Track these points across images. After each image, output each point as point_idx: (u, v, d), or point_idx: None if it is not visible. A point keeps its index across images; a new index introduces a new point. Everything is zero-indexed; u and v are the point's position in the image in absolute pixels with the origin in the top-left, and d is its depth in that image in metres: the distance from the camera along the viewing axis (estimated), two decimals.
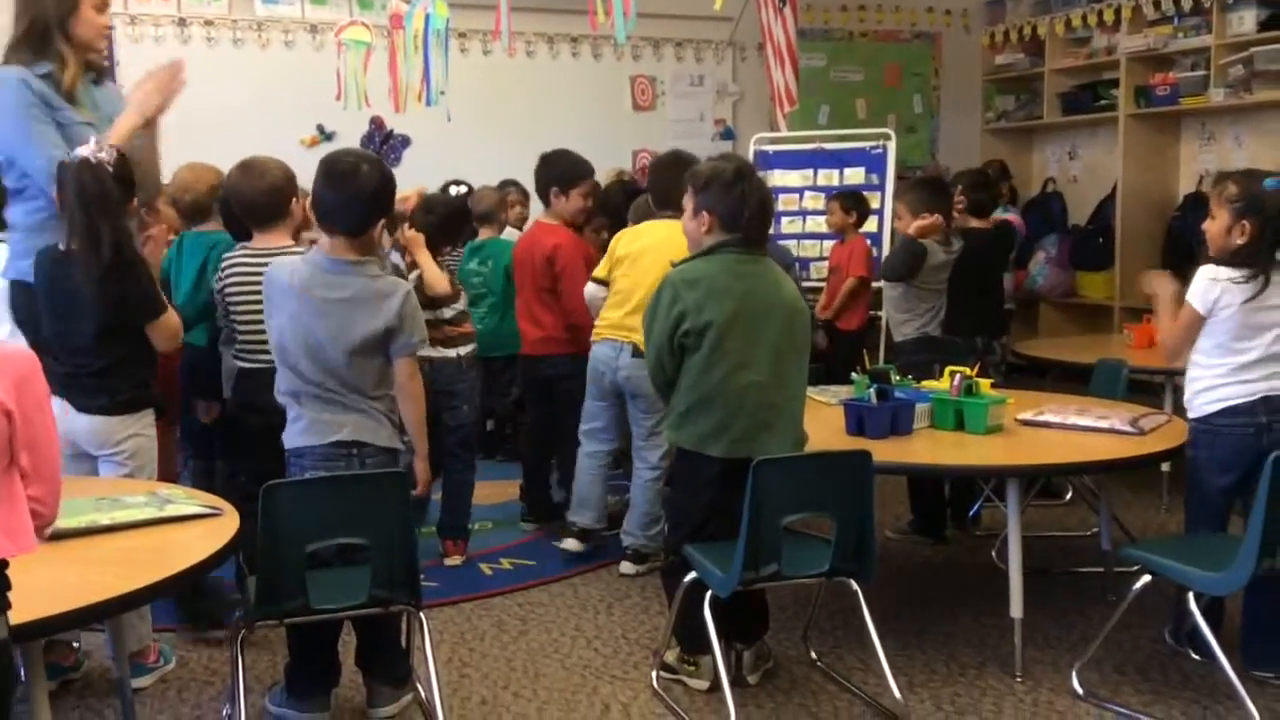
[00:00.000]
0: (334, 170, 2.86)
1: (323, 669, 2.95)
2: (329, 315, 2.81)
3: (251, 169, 3.47)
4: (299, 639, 2.87)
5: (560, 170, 4.45)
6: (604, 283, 4.09)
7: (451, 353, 4.08)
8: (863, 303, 5.70)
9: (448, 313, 4.09)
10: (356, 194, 2.84)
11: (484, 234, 5.40)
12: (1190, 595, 2.85)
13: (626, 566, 4.06)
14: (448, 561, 4.15)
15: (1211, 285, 3.11)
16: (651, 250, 3.91)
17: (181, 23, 6.46)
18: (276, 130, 6.10)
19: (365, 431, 2.86)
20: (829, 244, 6.12)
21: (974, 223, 4.72)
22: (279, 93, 6.51)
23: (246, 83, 6.49)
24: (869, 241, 5.88)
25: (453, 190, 5.76)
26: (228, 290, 3.45)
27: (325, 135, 6.70)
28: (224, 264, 3.49)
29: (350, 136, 6.72)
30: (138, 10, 6.37)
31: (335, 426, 2.84)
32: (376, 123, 6.77)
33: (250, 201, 3.45)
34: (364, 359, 2.84)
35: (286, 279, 2.87)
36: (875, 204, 6.37)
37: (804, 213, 6.57)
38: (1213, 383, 3.13)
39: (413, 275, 3.99)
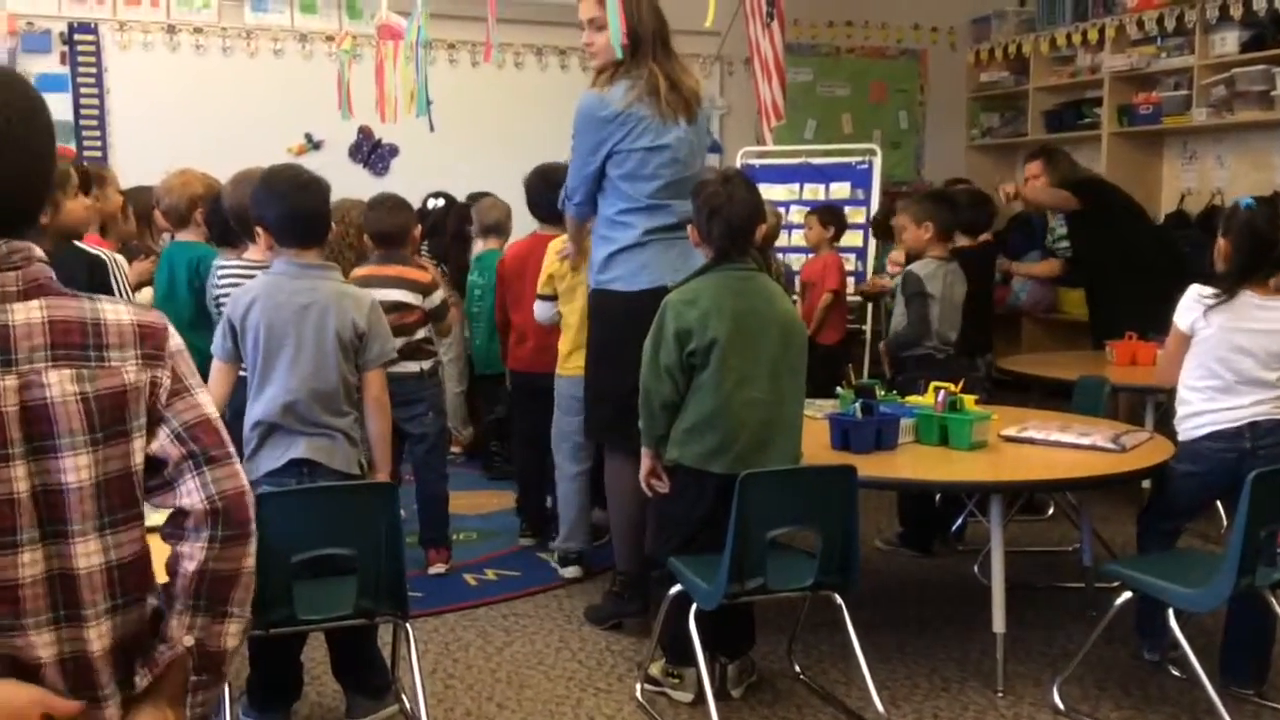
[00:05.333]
0: (298, 183, 2.89)
1: (283, 682, 2.94)
2: (302, 321, 2.83)
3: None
4: (261, 650, 2.85)
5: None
6: (552, 298, 4.08)
7: (414, 366, 4.03)
8: (839, 316, 5.74)
9: (420, 333, 4.10)
10: (324, 204, 2.92)
11: (489, 245, 5.27)
12: (1170, 612, 2.88)
13: (572, 571, 4.13)
14: (431, 570, 4.15)
15: (1194, 304, 3.15)
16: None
17: (170, 30, 6.46)
18: (264, 138, 6.13)
19: (320, 452, 2.85)
20: (811, 256, 6.15)
21: (963, 241, 4.76)
22: (267, 101, 6.51)
23: (235, 91, 6.49)
24: (845, 255, 5.92)
25: (430, 204, 5.77)
26: (221, 300, 3.39)
27: (313, 144, 6.71)
28: (219, 275, 3.47)
29: (338, 145, 6.74)
30: (127, 17, 6.37)
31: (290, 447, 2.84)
32: (365, 131, 6.78)
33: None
34: (339, 365, 2.85)
35: (246, 302, 2.87)
36: (860, 218, 6.42)
37: (789, 226, 6.59)
38: (1200, 407, 3.16)
39: None
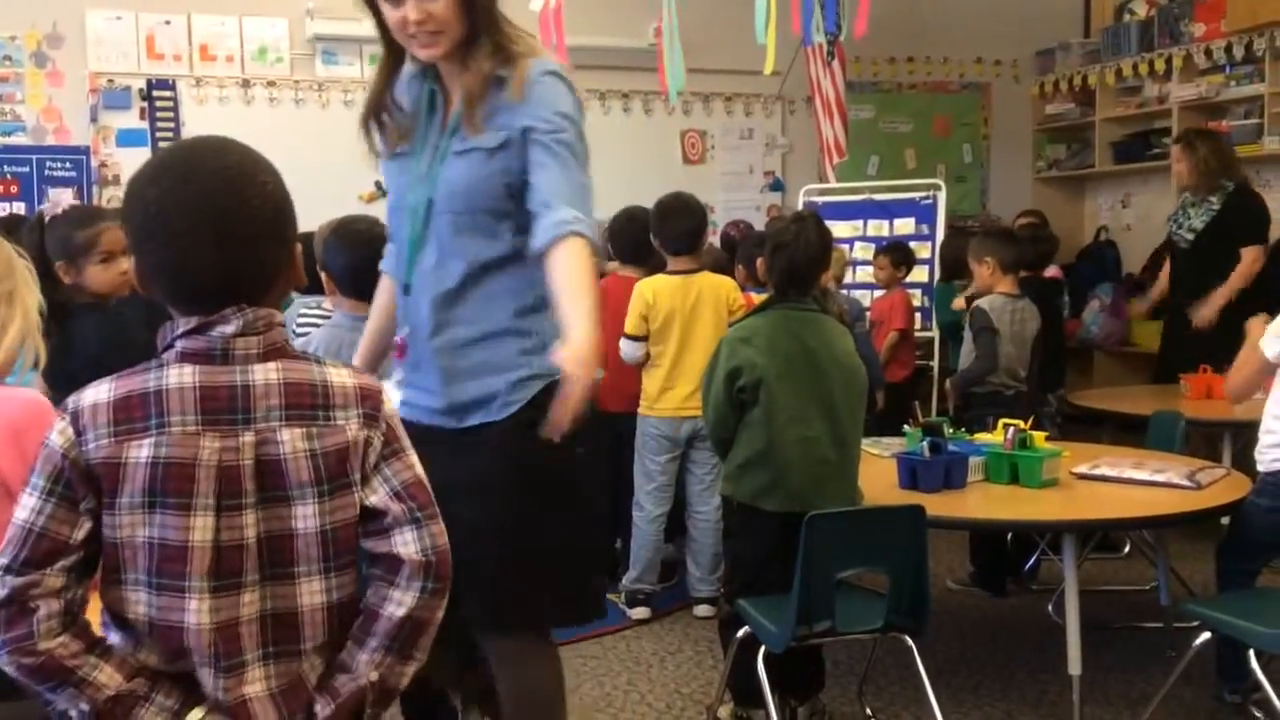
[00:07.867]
0: (368, 236, 2.88)
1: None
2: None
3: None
4: None
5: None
6: (641, 338, 4.11)
7: None
8: (907, 353, 5.71)
9: None
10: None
11: None
12: (1252, 653, 2.81)
13: (640, 612, 4.18)
14: None
15: None
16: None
17: (245, 84, 6.65)
18: (336, 186, 6.24)
19: None
20: (880, 294, 6.14)
21: (1024, 275, 4.71)
22: (338, 150, 6.58)
23: (308, 140, 6.62)
24: (911, 292, 5.90)
25: None
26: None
27: (383, 191, 6.82)
28: (297, 318, 3.54)
29: None
30: (203, 72, 6.57)
31: None
32: None
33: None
34: None
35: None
36: (925, 254, 6.39)
37: (853, 263, 6.58)
38: None
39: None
